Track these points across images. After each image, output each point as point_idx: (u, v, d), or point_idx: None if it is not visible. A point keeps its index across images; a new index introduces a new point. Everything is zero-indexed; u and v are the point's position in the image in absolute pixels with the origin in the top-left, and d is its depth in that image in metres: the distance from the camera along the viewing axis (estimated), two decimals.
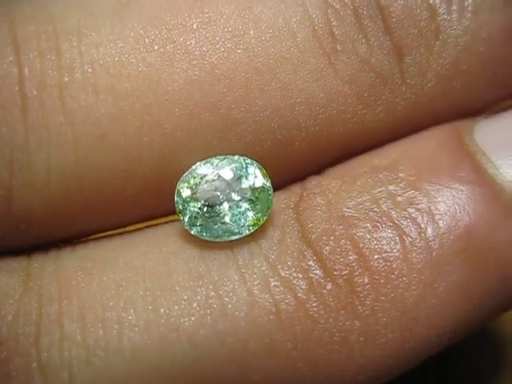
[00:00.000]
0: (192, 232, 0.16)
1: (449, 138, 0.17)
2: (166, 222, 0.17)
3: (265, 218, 0.16)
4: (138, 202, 0.16)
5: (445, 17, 0.16)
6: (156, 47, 0.16)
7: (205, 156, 0.16)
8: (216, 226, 0.16)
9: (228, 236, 0.16)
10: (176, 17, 0.16)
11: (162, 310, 0.15)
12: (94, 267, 0.16)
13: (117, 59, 0.15)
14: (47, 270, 0.16)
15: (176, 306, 0.15)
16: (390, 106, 0.16)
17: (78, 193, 0.16)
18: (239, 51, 0.16)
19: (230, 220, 0.15)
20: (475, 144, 0.17)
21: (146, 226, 0.17)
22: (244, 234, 0.16)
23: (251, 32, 0.16)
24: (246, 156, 0.16)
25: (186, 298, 0.15)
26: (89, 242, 0.17)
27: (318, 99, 0.16)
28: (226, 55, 0.16)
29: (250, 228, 0.16)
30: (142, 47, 0.16)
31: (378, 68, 0.16)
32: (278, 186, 0.17)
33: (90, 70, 0.15)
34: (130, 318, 0.15)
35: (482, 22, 0.16)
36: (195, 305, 0.15)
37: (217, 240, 0.16)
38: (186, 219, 0.16)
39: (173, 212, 0.16)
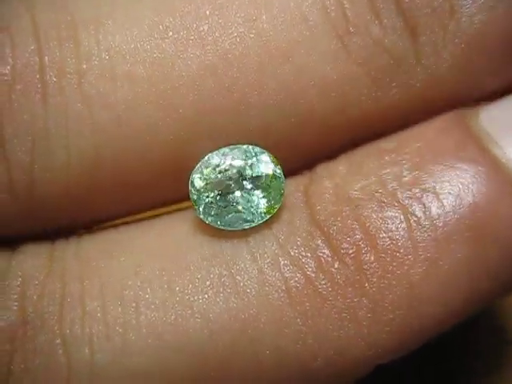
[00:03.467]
0: (207, 221, 0.16)
1: (454, 121, 0.17)
2: (181, 209, 0.18)
3: (278, 205, 0.16)
4: (154, 187, 0.17)
5: None
6: (170, 33, 0.16)
7: (219, 139, 0.16)
8: (230, 215, 0.16)
9: (242, 224, 0.16)
10: (189, 3, 0.16)
11: (177, 288, 0.16)
12: (113, 250, 0.17)
13: (132, 46, 0.16)
14: (69, 253, 0.17)
15: (190, 285, 0.16)
16: (405, 88, 0.17)
17: (95, 177, 0.16)
18: (252, 36, 0.16)
19: (244, 208, 0.16)
20: (480, 126, 0.17)
21: (163, 213, 0.18)
22: (258, 222, 0.16)
23: (263, 17, 0.16)
24: (259, 141, 0.16)
25: (199, 276, 0.16)
26: (107, 228, 0.18)
27: (331, 82, 0.16)
28: (238, 40, 0.16)
29: (264, 215, 0.16)
30: (157, 34, 0.16)
31: (391, 49, 0.16)
32: (291, 170, 0.17)
33: (107, 57, 0.16)
34: (147, 296, 0.16)
35: None
36: (208, 283, 0.16)
37: (231, 228, 0.16)
38: (201, 209, 0.16)
39: (188, 198, 0.17)
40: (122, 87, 0.16)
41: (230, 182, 0.16)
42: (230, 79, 0.16)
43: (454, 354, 0.23)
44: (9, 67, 0.16)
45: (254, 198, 0.16)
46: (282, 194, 0.16)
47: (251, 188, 0.16)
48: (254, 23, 0.16)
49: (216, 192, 0.16)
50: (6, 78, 0.16)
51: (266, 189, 0.16)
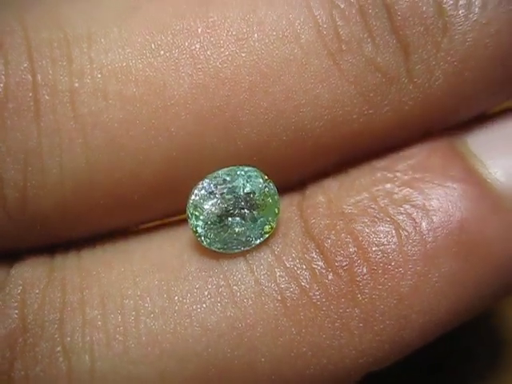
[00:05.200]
0: (207, 246, 0.16)
1: (443, 143, 0.18)
2: (178, 221, 0.18)
3: (275, 222, 0.16)
4: (147, 204, 0.17)
5: (452, 13, 0.16)
6: (162, 52, 0.16)
7: (211, 158, 0.16)
8: (228, 238, 0.16)
9: (241, 246, 0.16)
10: (181, 22, 0.16)
11: (176, 297, 0.16)
12: (113, 260, 0.17)
13: (124, 64, 0.16)
14: (69, 263, 0.17)
15: (189, 295, 0.16)
16: (397, 106, 0.17)
17: (89, 195, 0.16)
18: (243, 54, 0.16)
19: (242, 229, 0.16)
20: (466, 147, 0.18)
21: (160, 225, 0.18)
22: (257, 242, 0.16)
23: (255, 35, 0.16)
24: (251, 160, 0.16)
25: (197, 286, 0.16)
26: (107, 242, 0.18)
27: (323, 100, 0.16)
28: (230, 59, 0.16)
29: (263, 234, 0.16)
30: (149, 52, 0.16)
31: (383, 67, 0.16)
32: (284, 187, 0.17)
33: (100, 76, 0.16)
34: (147, 305, 0.16)
35: (490, 16, 0.16)
36: (206, 293, 0.16)
37: (230, 251, 0.16)
38: (200, 233, 0.16)
39: (182, 213, 0.17)
40: (113, 106, 0.16)
41: (225, 205, 0.16)
42: (221, 98, 0.16)
43: (448, 355, 0.23)
44: (1, 85, 0.16)
45: (251, 217, 0.16)
46: (277, 210, 0.16)
47: (246, 208, 0.16)
48: (245, 42, 0.16)
49: (212, 216, 0.16)
50: None
51: (261, 207, 0.16)
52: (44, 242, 0.17)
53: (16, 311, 0.16)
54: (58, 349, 0.16)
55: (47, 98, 0.16)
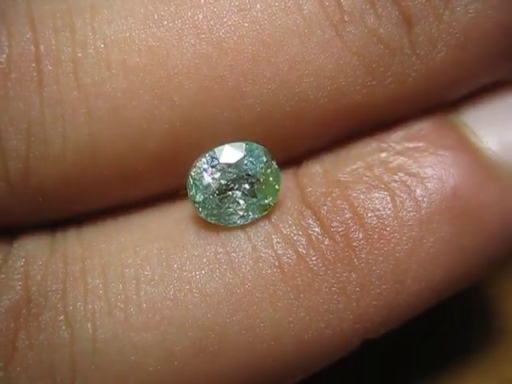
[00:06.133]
0: (207, 219, 0.16)
1: (435, 114, 0.18)
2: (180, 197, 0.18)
3: (274, 201, 0.17)
4: (150, 176, 0.17)
5: None
6: (165, 22, 0.16)
7: (214, 128, 0.16)
8: (228, 213, 0.16)
9: (239, 221, 0.16)
10: None
11: (175, 265, 0.16)
12: (113, 231, 0.17)
13: (128, 34, 0.16)
14: (70, 236, 0.18)
15: (188, 262, 0.16)
16: (400, 78, 0.17)
17: (92, 166, 0.16)
18: (246, 24, 0.16)
19: (240, 205, 0.16)
20: (459, 118, 0.18)
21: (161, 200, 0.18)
22: (255, 217, 0.17)
23: (258, 5, 0.16)
24: (254, 130, 0.17)
25: (196, 254, 0.16)
26: (107, 217, 0.18)
27: (326, 71, 0.16)
28: (233, 29, 0.16)
29: (261, 211, 0.16)
30: (152, 22, 0.16)
31: (386, 39, 0.16)
32: (286, 159, 0.18)
33: (103, 46, 0.16)
34: (146, 273, 0.16)
35: None
36: (205, 260, 0.16)
37: (228, 225, 0.17)
38: (200, 208, 0.16)
39: (185, 187, 0.17)
40: (117, 76, 0.16)
41: (226, 180, 0.16)
42: (224, 68, 0.16)
43: (444, 341, 0.23)
44: (4, 56, 0.16)
45: (251, 193, 0.16)
46: (278, 188, 0.16)
47: (247, 184, 0.16)
48: (248, 12, 0.16)
49: (212, 190, 0.16)
50: (1, 66, 0.16)
51: (262, 184, 0.16)
52: (46, 216, 0.18)
53: (19, 283, 0.17)
54: (61, 318, 0.16)
55: (50, 68, 0.16)
